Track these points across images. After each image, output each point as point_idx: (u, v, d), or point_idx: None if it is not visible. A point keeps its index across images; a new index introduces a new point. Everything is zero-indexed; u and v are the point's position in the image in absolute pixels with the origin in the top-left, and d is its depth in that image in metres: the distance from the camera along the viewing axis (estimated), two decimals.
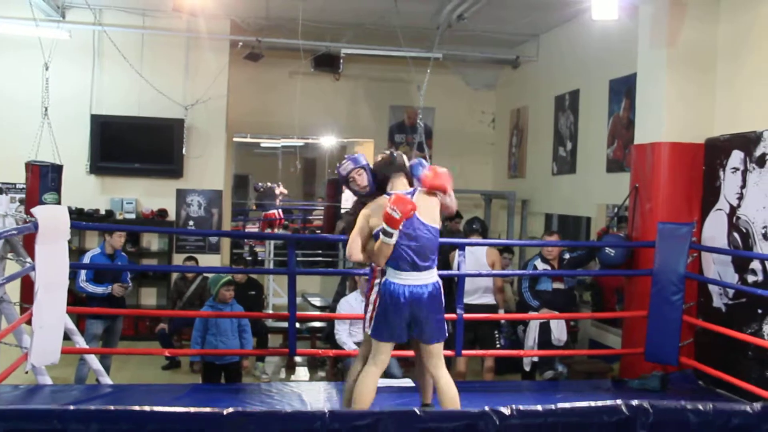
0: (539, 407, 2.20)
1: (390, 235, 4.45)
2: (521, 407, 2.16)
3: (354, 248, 4.60)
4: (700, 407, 2.23)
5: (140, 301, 10.40)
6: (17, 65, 9.90)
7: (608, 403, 2.24)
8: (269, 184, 17.97)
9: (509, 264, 8.89)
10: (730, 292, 6.43)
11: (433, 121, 12.77)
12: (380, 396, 5.47)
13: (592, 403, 2.25)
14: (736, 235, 6.36)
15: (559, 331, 7.08)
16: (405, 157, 4.89)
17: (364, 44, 10.65)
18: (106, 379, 6.32)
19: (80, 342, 6.26)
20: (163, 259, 10.48)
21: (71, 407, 2.21)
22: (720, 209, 6.58)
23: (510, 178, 12.17)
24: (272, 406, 5.60)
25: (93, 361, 6.35)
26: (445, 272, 6.74)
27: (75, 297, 7.61)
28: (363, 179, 4.75)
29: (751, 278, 6.20)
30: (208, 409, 2.21)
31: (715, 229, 6.61)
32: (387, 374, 7.04)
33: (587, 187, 9.48)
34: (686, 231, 6.47)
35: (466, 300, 6.52)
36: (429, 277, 4.66)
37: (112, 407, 2.24)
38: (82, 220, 9.26)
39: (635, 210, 7.17)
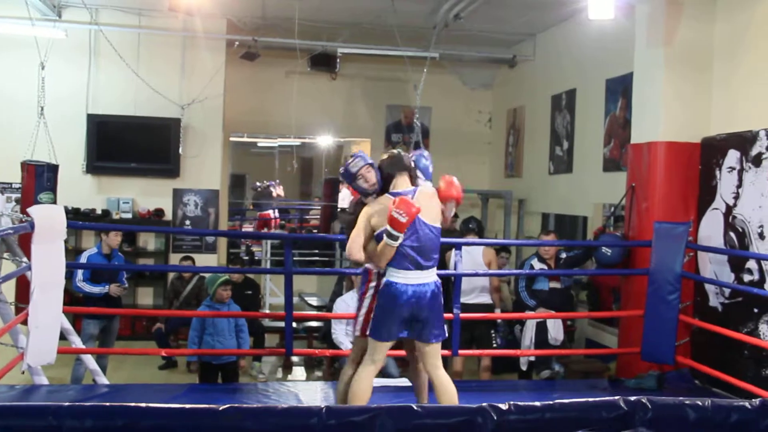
0: (537, 403, 2.19)
1: (395, 239, 4.46)
2: (519, 403, 2.15)
3: (355, 248, 4.58)
4: (699, 403, 2.23)
5: (137, 300, 10.38)
6: (13, 64, 9.88)
7: (607, 398, 2.23)
8: (267, 183, 17.95)
9: (506, 263, 8.89)
10: (727, 291, 6.44)
11: (430, 121, 12.77)
12: (377, 395, 5.46)
13: (591, 399, 2.24)
14: (732, 234, 6.37)
15: (555, 330, 7.08)
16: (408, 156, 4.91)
17: (360, 44, 10.65)
18: (103, 379, 6.31)
19: (76, 342, 6.24)
20: (160, 258, 10.46)
21: (66, 403, 2.19)
22: (716, 209, 6.58)
23: (507, 178, 12.18)
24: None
25: (89, 361, 6.33)
26: (442, 272, 6.75)
27: (71, 297, 7.58)
28: (372, 176, 4.73)
29: (747, 277, 6.21)
30: (203, 406, 2.20)
31: (711, 229, 6.62)
32: (384, 374, 7.04)
33: (584, 186, 9.48)
34: (683, 230, 6.47)
35: (463, 299, 6.52)
36: (431, 276, 4.67)
37: (107, 404, 2.22)
38: (78, 219, 9.24)
39: (632, 209, 7.18)
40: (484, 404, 2.11)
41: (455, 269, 6.41)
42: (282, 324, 7.30)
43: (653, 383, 6.32)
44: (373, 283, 4.80)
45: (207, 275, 7.36)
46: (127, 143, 10.10)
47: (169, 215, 10.41)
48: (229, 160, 13.16)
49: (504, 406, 2.11)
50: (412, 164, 4.82)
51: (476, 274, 6.98)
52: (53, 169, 8.27)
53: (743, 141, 6.26)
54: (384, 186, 4.77)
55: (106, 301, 7.23)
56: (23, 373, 5.38)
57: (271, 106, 12.05)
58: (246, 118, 12.17)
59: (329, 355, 7.05)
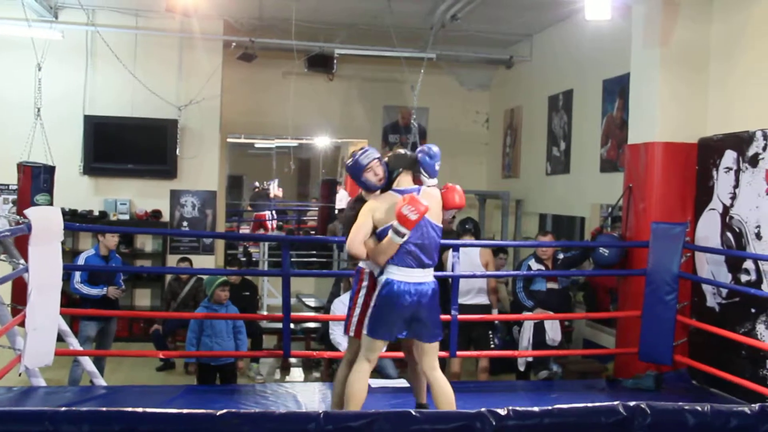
0: (536, 408, 2.19)
1: (402, 236, 4.45)
2: (518, 408, 2.15)
3: (356, 242, 4.55)
4: (698, 408, 2.23)
5: (134, 302, 10.37)
6: (10, 66, 9.86)
7: (606, 403, 2.23)
8: (266, 183, 17.95)
9: (504, 264, 8.89)
10: (724, 291, 6.45)
11: (427, 122, 12.77)
12: (375, 396, 5.47)
13: (590, 404, 2.24)
14: (729, 234, 6.38)
15: (553, 331, 7.09)
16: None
17: (357, 44, 10.64)
18: (100, 381, 6.30)
19: (74, 344, 6.23)
20: (157, 260, 10.45)
21: (63, 408, 2.19)
22: (713, 209, 6.59)
23: (504, 178, 12.18)
24: (267, 407, 5.59)
25: (87, 362, 6.32)
26: (439, 273, 6.76)
27: (68, 298, 7.58)
28: (381, 170, 4.70)
29: (744, 278, 6.21)
30: (200, 411, 2.19)
31: (708, 229, 6.63)
32: (382, 375, 7.06)
33: (581, 187, 9.49)
34: (680, 231, 6.48)
35: (460, 300, 6.52)
36: (430, 276, 4.68)
37: (104, 408, 2.22)
38: (75, 221, 9.22)
39: (629, 210, 7.18)
40: (482, 409, 2.11)
41: (453, 270, 6.41)
42: (280, 325, 7.30)
43: (651, 383, 6.33)
44: (365, 283, 4.78)
45: (205, 277, 7.35)
46: (124, 144, 10.09)
47: (166, 216, 10.41)
48: (226, 161, 13.15)
49: (502, 412, 2.10)
50: (417, 163, 4.82)
51: (474, 276, 6.98)
52: (50, 170, 8.27)
53: (740, 141, 6.26)
54: (387, 183, 4.76)
55: (103, 302, 7.22)
56: (20, 375, 5.38)
57: (268, 107, 12.05)
58: (243, 119, 12.17)
59: (327, 356, 7.04)
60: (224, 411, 2.18)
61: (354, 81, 12.55)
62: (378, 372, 7.07)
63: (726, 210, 6.42)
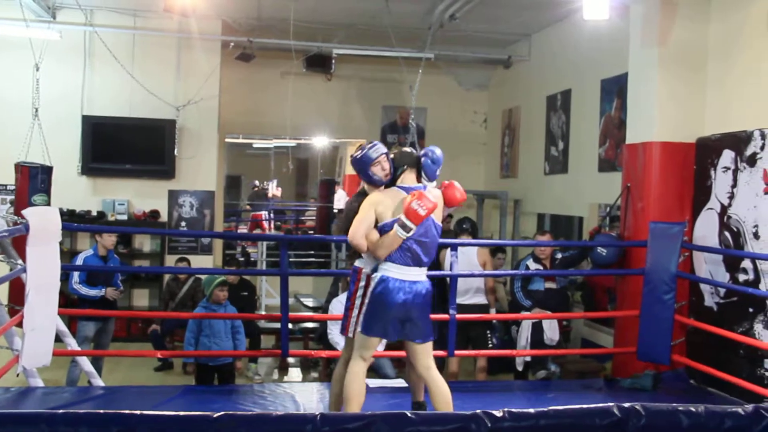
0: (531, 410, 2.19)
1: (408, 230, 4.45)
2: (513, 410, 2.15)
3: (359, 235, 4.53)
4: (693, 409, 2.23)
5: (132, 302, 10.38)
6: (7, 66, 9.86)
7: (600, 405, 2.24)
8: (266, 183, 17.97)
9: (503, 264, 8.90)
10: (722, 291, 6.45)
11: (425, 121, 12.77)
12: (373, 396, 5.47)
13: (584, 406, 2.25)
14: (727, 234, 6.38)
15: (551, 330, 7.09)
16: None
17: (355, 44, 10.65)
18: (98, 381, 6.30)
19: (72, 344, 6.23)
20: (156, 260, 10.45)
21: (60, 410, 2.19)
22: (711, 208, 6.59)
23: (502, 178, 12.19)
24: (265, 407, 5.59)
25: (85, 363, 6.33)
26: (437, 272, 6.77)
27: (66, 298, 7.58)
28: (388, 165, 4.71)
29: (742, 277, 6.22)
30: (197, 413, 2.20)
31: (706, 229, 6.63)
32: (380, 374, 7.06)
33: (579, 186, 9.49)
34: (678, 230, 6.48)
35: (458, 300, 6.52)
36: (425, 275, 4.67)
37: (101, 410, 2.22)
38: (73, 221, 9.22)
39: (627, 209, 7.19)
40: (478, 411, 2.11)
41: (451, 270, 6.41)
42: (278, 325, 7.29)
43: (649, 383, 6.34)
44: (362, 283, 4.78)
45: (203, 276, 7.35)
46: (122, 145, 10.09)
47: (164, 217, 10.41)
48: (224, 162, 13.16)
49: (498, 413, 2.11)
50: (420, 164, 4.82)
51: (472, 275, 6.99)
52: (47, 170, 8.27)
53: (738, 141, 6.27)
54: (392, 179, 4.76)
55: (101, 303, 7.22)
56: (18, 375, 5.38)
57: (267, 107, 12.05)
58: (241, 119, 12.17)
59: (325, 356, 7.05)
60: (221, 413, 2.18)
61: (352, 81, 12.55)
62: (376, 372, 7.08)
63: (724, 209, 6.43)
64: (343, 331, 4.85)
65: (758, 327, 6.02)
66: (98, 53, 9.90)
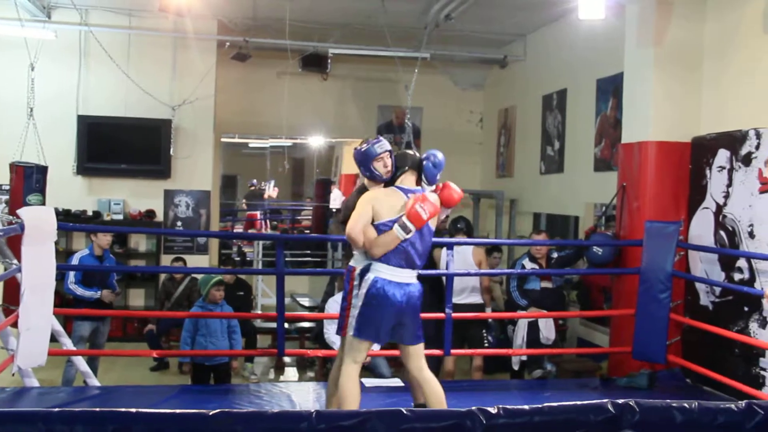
0: (526, 407, 2.20)
1: (408, 232, 4.45)
2: (508, 406, 2.16)
3: (357, 229, 4.50)
4: (686, 405, 2.24)
5: (128, 302, 10.36)
6: (2, 65, 9.84)
7: (594, 401, 2.24)
8: (264, 183, 17.95)
9: (499, 263, 8.90)
10: (717, 290, 6.46)
11: (421, 121, 12.78)
12: (369, 396, 5.47)
13: (579, 402, 2.25)
14: (722, 233, 6.40)
15: (547, 329, 7.10)
16: None
17: (351, 44, 10.65)
18: (94, 381, 6.29)
19: (67, 344, 6.22)
20: (151, 260, 10.44)
21: (56, 409, 2.19)
22: (706, 208, 6.61)
23: (498, 178, 12.20)
24: (261, 406, 5.59)
25: (80, 362, 6.31)
26: (433, 272, 6.78)
27: (62, 298, 7.56)
28: (390, 162, 4.71)
29: (737, 276, 6.23)
30: (193, 411, 2.20)
31: (701, 228, 6.65)
32: (376, 374, 7.07)
33: (575, 186, 9.51)
34: (673, 229, 6.49)
35: (454, 300, 6.52)
36: (415, 277, 4.67)
37: (97, 409, 2.22)
38: (69, 221, 9.22)
39: (623, 209, 7.20)
40: (473, 408, 2.12)
41: (447, 269, 6.42)
42: (274, 325, 7.30)
43: (645, 382, 6.34)
44: (356, 281, 4.77)
45: (200, 276, 7.34)
46: (117, 144, 10.08)
47: (160, 216, 10.39)
48: (220, 161, 13.15)
49: (493, 410, 2.11)
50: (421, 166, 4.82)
51: (468, 274, 6.99)
52: (42, 170, 8.24)
53: (733, 140, 6.28)
54: (391, 178, 4.76)
55: (97, 302, 7.22)
56: (14, 375, 5.36)
57: (263, 106, 12.04)
58: (237, 118, 12.17)
59: (321, 355, 7.05)
60: (217, 411, 2.18)
61: (348, 81, 12.56)
62: (371, 371, 7.09)
63: (719, 209, 6.44)
64: (340, 331, 4.84)
65: (753, 326, 6.03)
66: (93, 53, 9.89)
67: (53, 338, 5.65)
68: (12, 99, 9.39)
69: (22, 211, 4.93)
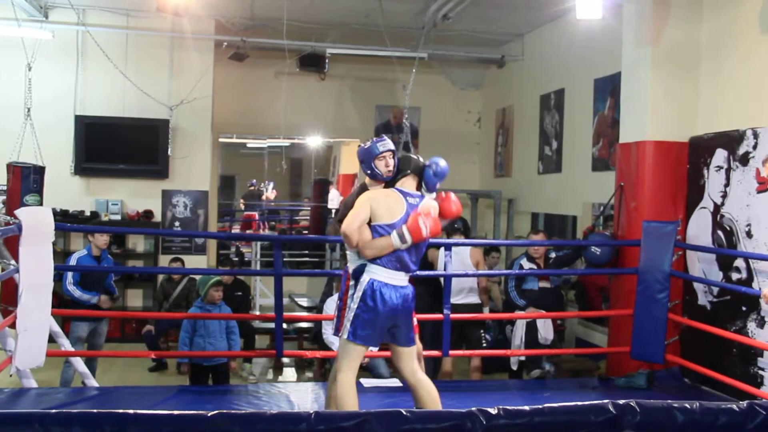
0: (526, 407, 2.19)
1: (405, 243, 4.45)
2: (508, 407, 2.15)
3: (353, 227, 4.47)
4: (687, 406, 2.23)
5: (126, 302, 10.34)
6: None
7: (595, 402, 2.24)
8: (263, 185, 17.94)
9: (497, 263, 8.90)
10: (715, 289, 6.47)
11: (419, 121, 12.77)
12: (368, 396, 5.47)
13: (579, 403, 2.25)
14: (720, 233, 6.40)
15: (545, 330, 7.10)
16: None
17: (349, 44, 10.64)
18: (92, 382, 6.28)
19: (65, 344, 6.22)
20: (149, 260, 10.42)
21: (53, 410, 2.18)
22: (704, 207, 6.61)
23: (496, 178, 12.19)
24: (259, 407, 5.58)
25: (78, 363, 6.30)
26: (432, 272, 6.78)
27: (60, 299, 7.54)
28: (392, 163, 4.70)
29: (735, 276, 6.24)
30: (191, 412, 2.19)
31: (699, 228, 6.65)
32: (374, 374, 7.05)
33: (573, 186, 9.51)
34: (671, 229, 6.49)
35: (452, 300, 6.51)
36: (407, 280, 4.65)
37: (94, 410, 2.21)
38: (66, 221, 9.20)
39: (620, 209, 7.20)
40: (473, 408, 2.11)
41: (445, 269, 6.41)
42: (272, 325, 7.29)
43: (643, 382, 6.35)
44: (352, 282, 4.76)
45: (198, 277, 7.33)
46: (115, 144, 10.06)
47: (158, 217, 10.38)
48: (218, 161, 13.13)
49: (493, 411, 2.11)
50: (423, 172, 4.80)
51: (466, 275, 6.99)
52: (39, 170, 8.24)
53: (730, 140, 6.29)
54: (392, 179, 4.75)
55: (95, 303, 7.20)
56: (12, 376, 5.36)
57: (260, 106, 12.03)
58: (235, 118, 12.15)
59: (320, 356, 7.03)
60: (215, 412, 2.17)
61: (346, 80, 12.55)
62: (370, 371, 7.07)
63: (717, 208, 6.45)
64: (337, 331, 4.83)
65: (751, 325, 6.03)
66: (91, 53, 9.87)
67: (51, 339, 5.64)
68: (9, 99, 9.38)
69: (20, 212, 4.93)
